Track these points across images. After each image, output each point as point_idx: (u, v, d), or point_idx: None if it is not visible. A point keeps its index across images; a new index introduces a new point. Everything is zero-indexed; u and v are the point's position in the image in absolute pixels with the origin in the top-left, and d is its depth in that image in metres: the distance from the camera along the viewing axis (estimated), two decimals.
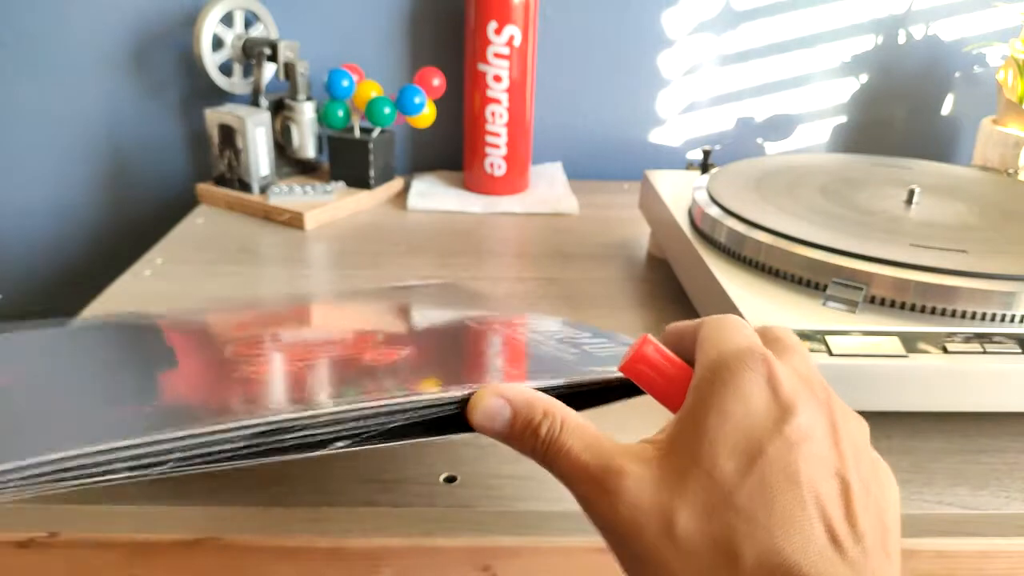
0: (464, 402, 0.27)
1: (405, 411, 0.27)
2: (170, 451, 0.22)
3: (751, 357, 0.24)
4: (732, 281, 0.45)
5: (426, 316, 0.44)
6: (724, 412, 0.23)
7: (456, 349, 0.36)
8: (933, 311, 0.41)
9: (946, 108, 0.92)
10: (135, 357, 0.36)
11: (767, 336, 0.27)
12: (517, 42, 0.74)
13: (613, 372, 0.30)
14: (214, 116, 0.74)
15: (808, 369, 0.25)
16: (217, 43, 0.77)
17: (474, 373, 0.31)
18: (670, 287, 0.59)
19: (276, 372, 0.31)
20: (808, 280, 0.44)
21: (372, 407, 0.26)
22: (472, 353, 0.35)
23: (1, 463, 0.20)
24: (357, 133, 0.77)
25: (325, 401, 0.26)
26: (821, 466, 0.22)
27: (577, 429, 0.25)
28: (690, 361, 0.27)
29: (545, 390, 0.27)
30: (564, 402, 0.26)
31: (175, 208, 0.84)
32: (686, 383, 0.26)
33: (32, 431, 0.24)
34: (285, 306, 0.46)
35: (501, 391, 0.26)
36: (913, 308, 0.42)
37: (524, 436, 0.25)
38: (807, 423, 0.23)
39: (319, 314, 0.44)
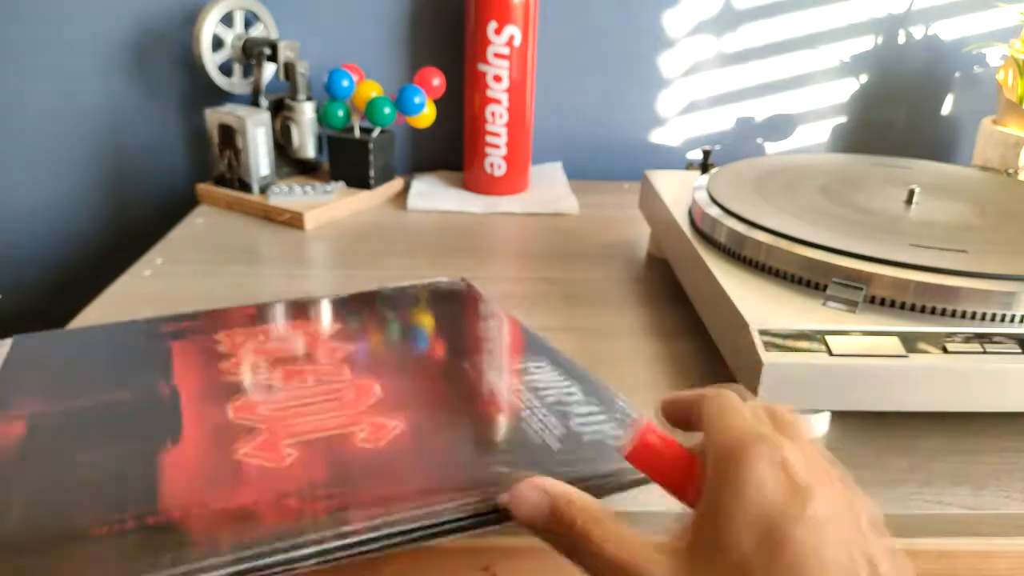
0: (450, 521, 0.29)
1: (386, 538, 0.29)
2: None
3: (763, 442, 0.24)
4: (732, 281, 0.45)
5: (422, 358, 0.44)
6: (743, 500, 0.23)
7: (444, 426, 0.36)
8: (933, 311, 0.41)
9: (946, 108, 0.92)
10: (142, 407, 0.37)
11: (768, 415, 0.27)
12: (517, 42, 0.74)
13: (610, 477, 0.32)
14: (214, 116, 0.75)
15: (815, 449, 0.25)
16: (217, 43, 0.77)
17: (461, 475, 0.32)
18: (670, 287, 0.59)
19: (266, 462, 0.33)
20: (808, 280, 0.44)
21: (353, 541, 0.28)
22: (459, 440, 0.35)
23: None
24: (357, 133, 0.77)
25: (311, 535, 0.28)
26: (847, 547, 0.22)
27: (607, 523, 0.25)
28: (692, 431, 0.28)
29: None
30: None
31: (175, 208, 0.84)
32: (689, 467, 0.27)
33: None
34: (284, 330, 0.46)
35: (545, 486, 0.28)
36: (913, 308, 0.42)
37: (559, 529, 0.26)
38: (827, 505, 0.23)
39: (318, 347, 0.44)
